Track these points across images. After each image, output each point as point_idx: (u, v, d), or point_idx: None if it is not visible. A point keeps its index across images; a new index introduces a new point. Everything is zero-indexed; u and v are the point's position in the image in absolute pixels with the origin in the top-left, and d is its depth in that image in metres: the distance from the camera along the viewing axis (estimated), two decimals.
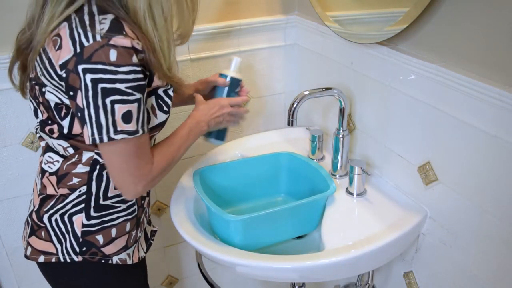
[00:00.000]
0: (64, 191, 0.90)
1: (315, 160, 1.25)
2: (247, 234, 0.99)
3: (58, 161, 0.90)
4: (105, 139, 0.77)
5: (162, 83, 0.87)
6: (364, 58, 1.11)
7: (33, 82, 0.86)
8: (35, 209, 0.93)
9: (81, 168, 0.88)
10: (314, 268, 0.93)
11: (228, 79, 1.10)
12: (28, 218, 0.95)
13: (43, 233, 0.92)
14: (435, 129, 0.94)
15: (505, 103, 0.76)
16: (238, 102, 1.06)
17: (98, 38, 0.74)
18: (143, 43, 0.80)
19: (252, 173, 1.22)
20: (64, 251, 0.91)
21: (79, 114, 0.78)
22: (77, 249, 0.91)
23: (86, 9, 0.78)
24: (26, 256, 0.94)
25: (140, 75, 0.78)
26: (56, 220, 0.91)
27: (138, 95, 0.79)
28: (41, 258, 0.92)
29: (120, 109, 0.77)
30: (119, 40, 0.75)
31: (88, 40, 0.74)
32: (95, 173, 0.89)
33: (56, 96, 0.82)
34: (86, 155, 0.88)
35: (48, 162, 0.91)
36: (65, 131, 0.85)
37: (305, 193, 1.20)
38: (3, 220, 1.28)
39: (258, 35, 1.38)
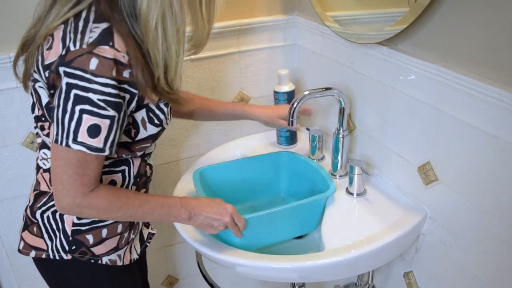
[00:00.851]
0: None
1: (315, 160, 1.25)
2: (247, 234, 0.98)
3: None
4: (63, 143, 0.76)
5: (154, 98, 0.84)
6: (364, 58, 1.11)
7: (31, 77, 0.87)
8: (29, 204, 0.94)
9: None
10: (314, 268, 0.93)
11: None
12: (24, 212, 0.96)
13: (35, 228, 0.92)
14: (435, 129, 0.94)
15: (505, 103, 0.76)
16: (241, 222, 0.94)
17: (84, 45, 0.74)
18: (133, 57, 0.77)
19: (252, 173, 1.22)
20: (54, 249, 0.91)
21: (51, 113, 0.79)
22: (67, 247, 0.91)
23: (84, 14, 0.78)
24: (18, 250, 0.95)
25: (116, 91, 0.76)
26: (48, 217, 0.91)
27: (111, 112, 0.76)
28: (32, 253, 0.93)
29: (87, 120, 0.75)
30: (103, 51, 0.74)
31: (75, 46, 0.75)
32: None
33: (45, 94, 0.83)
34: None
35: (43, 158, 0.91)
36: None
37: (305, 193, 1.20)
38: (3, 220, 1.28)
39: (258, 35, 1.38)
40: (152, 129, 0.88)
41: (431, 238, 1.02)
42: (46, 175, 0.91)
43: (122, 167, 0.91)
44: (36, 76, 0.83)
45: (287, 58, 1.44)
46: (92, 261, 0.93)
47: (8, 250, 1.32)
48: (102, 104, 0.75)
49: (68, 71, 0.74)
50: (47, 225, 0.91)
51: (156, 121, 0.88)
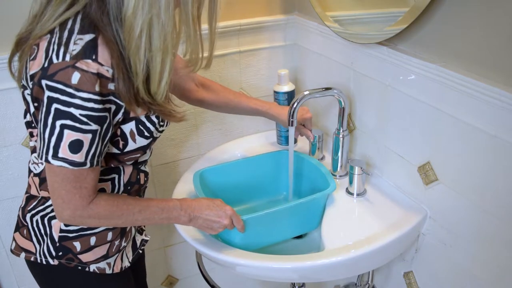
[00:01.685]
0: (45, 193, 0.89)
1: None
2: (247, 235, 0.98)
3: (42, 163, 0.88)
4: (43, 158, 0.75)
5: (141, 111, 0.82)
6: (364, 58, 1.11)
7: (21, 83, 0.84)
8: (22, 206, 0.94)
9: None
10: (314, 268, 0.93)
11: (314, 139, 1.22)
12: (18, 213, 0.96)
13: (25, 231, 0.92)
14: (435, 129, 0.94)
15: (505, 103, 0.76)
16: (240, 224, 0.95)
17: (67, 58, 0.72)
18: (117, 70, 0.75)
19: (252, 173, 1.22)
20: (41, 253, 0.91)
21: (37, 124, 0.77)
22: (53, 253, 0.90)
23: (69, 24, 0.75)
24: (11, 250, 0.95)
25: (100, 106, 0.74)
26: (37, 221, 0.90)
27: (94, 126, 0.75)
28: (22, 255, 0.93)
29: (69, 136, 0.73)
30: (86, 64, 0.72)
31: (58, 58, 0.72)
32: None
33: (31, 102, 0.81)
34: None
35: (34, 162, 0.91)
36: None
37: (305, 192, 1.21)
38: (3, 220, 1.28)
39: (258, 35, 1.38)
40: (141, 141, 0.86)
41: (431, 238, 1.02)
42: (36, 179, 0.90)
43: (112, 175, 0.89)
44: (24, 82, 0.81)
45: (287, 58, 1.44)
46: (80, 268, 0.91)
47: (8, 250, 1.32)
48: (84, 119, 0.73)
49: (50, 85, 0.72)
50: (36, 229, 0.91)
51: (146, 134, 0.85)
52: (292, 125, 1.06)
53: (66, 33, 0.74)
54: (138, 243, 1.06)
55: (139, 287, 1.17)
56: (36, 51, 0.76)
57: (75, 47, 0.73)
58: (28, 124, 0.87)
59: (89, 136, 0.75)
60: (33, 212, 0.90)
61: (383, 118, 1.09)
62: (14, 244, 0.95)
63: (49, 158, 0.75)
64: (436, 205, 0.99)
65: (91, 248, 0.91)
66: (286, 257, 0.93)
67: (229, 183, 1.20)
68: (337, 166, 1.18)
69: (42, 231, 0.90)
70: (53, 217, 0.89)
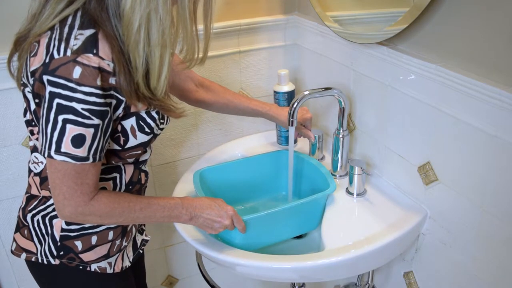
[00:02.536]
0: (46, 193, 0.89)
1: None
2: (248, 235, 0.98)
3: (42, 162, 0.89)
4: (46, 154, 0.75)
5: (142, 106, 0.83)
6: (364, 58, 1.11)
7: (21, 81, 0.85)
8: (22, 206, 0.93)
9: None
10: (314, 268, 0.93)
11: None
12: (17, 213, 0.96)
13: (26, 231, 0.92)
14: (435, 129, 0.94)
15: (505, 103, 0.76)
16: (241, 225, 0.95)
17: (68, 53, 0.72)
18: (118, 64, 0.75)
19: (252, 173, 1.22)
20: (43, 253, 0.91)
21: (39, 121, 0.77)
22: (55, 253, 0.90)
23: (69, 20, 0.76)
24: (11, 251, 0.95)
25: (101, 100, 0.74)
26: (38, 221, 0.90)
27: (96, 121, 0.75)
28: (23, 256, 0.93)
29: (71, 130, 0.74)
30: (86, 59, 0.72)
31: (59, 53, 0.73)
32: None
33: (32, 100, 0.81)
34: None
35: (34, 162, 0.90)
36: None
37: (305, 192, 1.20)
38: (3, 220, 1.28)
39: (258, 35, 1.38)
40: (142, 137, 0.86)
41: (431, 238, 1.02)
42: (37, 178, 0.90)
43: (114, 174, 0.89)
44: (24, 80, 0.81)
45: (287, 58, 1.44)
46: (81, 267, 0.91)
47: (8, 250, 1.32)
48: (86, 113, 0.74)
49: (52, 80, 0.72)
50: (37, 229, 0.91)
51: (146, 129, 0.86)
52: (292, 125, 1.06)
53: (66, 29, 0.75)
54: (139, 243, 1.06)
55: (138, 287, 1.17)
56: (36, 47, 0.77)
57: (75, 42, 0.73)
58: (28, 123, 0.87)
59: (92, 130, 0.75)
60: (34, 212, 0.90)
61: (383, 118, 1.09)
62: (14, 245, 0.95)
63: (52, 153, 0.75)
64: (436, 205, 0.99)
65: (92, 248, 0.91)
66: (286, 257, 0.93)
67: (229, 183, 1.20)
68: (337, 166, 1.18)
69: (44, 231, 0.90)
70: (55, 217, 0.89)
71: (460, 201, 0.92)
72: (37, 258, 0.92)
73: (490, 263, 0.88)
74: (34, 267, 0.95)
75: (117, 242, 0.95)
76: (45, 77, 0.73)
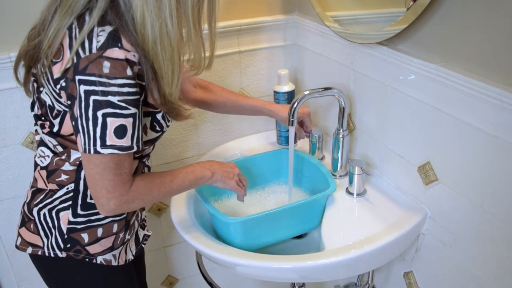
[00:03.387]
0: (53, 186, 0.90)
1: None
2: (248, 235, 0.99)
3: (48, 156, 0.90)
4: (91, 150, 0.77)
5: (155, 103, 0.85)
6: (364, 58, 1.11)
7: (33, 78, 0.87)
8: (27, 201, 0.94)
9: (69, 166, 0.89)
10: (314, 268, 0.93)
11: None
12: (21, 209, 0.97)
13: (32, 225, 0.93)
14: (435, 129, 0.94)
15: (505, 103, 0.76)
16: (245, 181, 1.06)
17: (94, 50, 0.75)
18: (142, 56, 0.78)
19: (252, 172, 1.22)
20: (49, 246, 0.92)
21: (73, 123, 0.79)
22: (62, 245, 0.91)
23: (87, 19, 0.78)
24: (16, 246, 0.96)
25: (134, 89, 0.77)
26: (44, 214, 0.91)
27: (133, 110, 0.78)
28: (29, 250, 0.94)
29: (112, 123, 0.76)
30: (113, 53, 0.75)
31: (84, 52, 0.75)
32: (83, 172, 0.89)
33: (50, 99, 0.83)
34: (75, 155, 0.88)
35: (40, 156, 0.92)
36: (55, 129, 0.86)
37: (306, 191, 1.21)
38: (3, 220, 1.28)
39: (258, 35, 1.38)
40: (152, 134, 0.90)
41: (431, 238, 1.02)
42: (43, 172, 0.91)
43: None
44: (42, 81, 0.83)
45: (287, 58, 1.44)
46: (87, 259, 0.93)
47: (8, 250, 1.32)
48: (123, 104, 0.76)
49: (83, 79, 0.74)
50: (43, 222, 0.92)
51: (157, 128, 0.89)
52: (292, 125, 1.06)
53: (86, 27, 0.77)
54: (141, 237, 1.08)
55: (139, 283, 1.17)
56: (62, 50, 0.79)
57: (99, 39, 0.75)
58: (38, 117, 0.89)
59: (131, 120, 0.78)
60: (41, 205, 0.91)
61: (383, 118, 1.09)
62: (19, 239, 0.95)
63: (98, 148, 0.77)
64: (436, 205, 0.99)
65: (98, 240, 0.92)
66: (286, 257, 0.93)
67: None
68: (337, 166, 1.18)
69: (50, 224, 0.91)
70: (61, 210, 0.90)
71: (460, 201, 0.92)
72: (43, 252, 0.92)
73: (490, 263, 0.88)
74: (40, 261, 0.96)
75: (121, 235, 0.96)
76: (76, 78, 0.75)
